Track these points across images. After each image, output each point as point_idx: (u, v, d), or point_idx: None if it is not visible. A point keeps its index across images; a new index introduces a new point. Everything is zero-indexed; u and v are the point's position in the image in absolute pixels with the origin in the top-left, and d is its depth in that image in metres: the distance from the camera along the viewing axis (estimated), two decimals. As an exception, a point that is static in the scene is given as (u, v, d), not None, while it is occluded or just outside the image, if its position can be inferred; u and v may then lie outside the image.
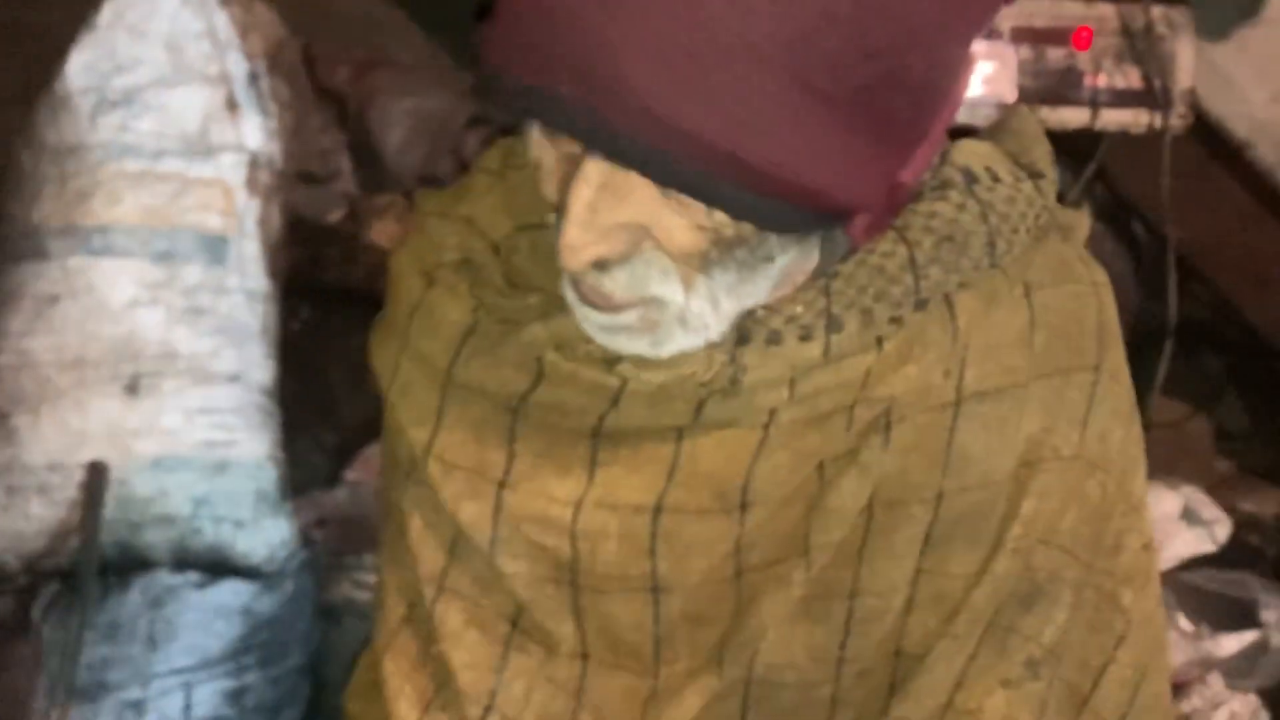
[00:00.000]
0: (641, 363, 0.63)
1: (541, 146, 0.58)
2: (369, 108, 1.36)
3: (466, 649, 0.70)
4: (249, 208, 1.25)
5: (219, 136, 1.24)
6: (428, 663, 0.71)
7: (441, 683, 0.71)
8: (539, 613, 0.70)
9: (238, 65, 1.25)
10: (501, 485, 0.68)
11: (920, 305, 0.65)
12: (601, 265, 0.57)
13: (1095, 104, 1.27)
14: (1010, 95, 1.24)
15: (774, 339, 0.63)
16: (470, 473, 0.68)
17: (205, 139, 1.23)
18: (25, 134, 1.20)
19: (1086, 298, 0.70)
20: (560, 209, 0.56)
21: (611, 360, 0.64)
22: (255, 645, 1.22)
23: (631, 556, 0.67)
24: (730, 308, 0.61)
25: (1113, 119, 1.28)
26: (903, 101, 0.55)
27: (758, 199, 0.54)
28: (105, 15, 1.21)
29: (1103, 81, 1.29)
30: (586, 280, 0.58)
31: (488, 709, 0.71)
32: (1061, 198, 0.73)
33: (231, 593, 1.20)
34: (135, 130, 1.20)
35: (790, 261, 0.61)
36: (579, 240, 0.55)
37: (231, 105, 1.24)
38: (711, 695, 0.70)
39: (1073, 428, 0.69)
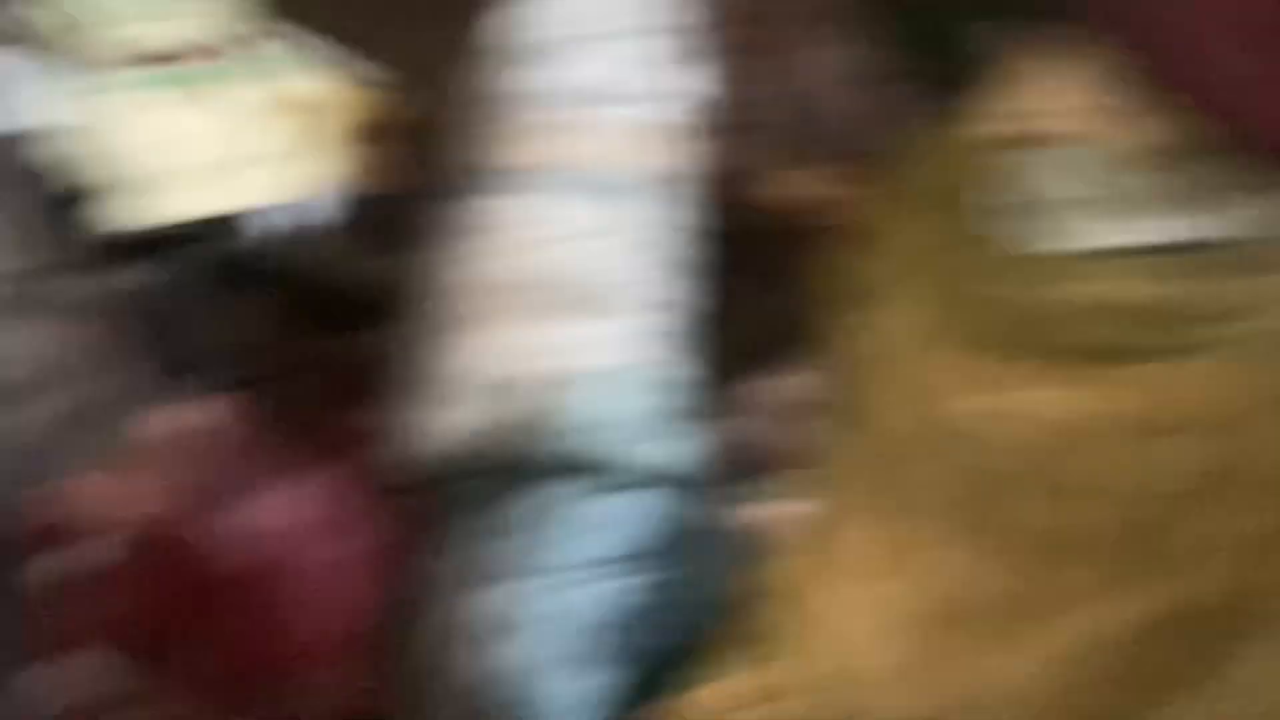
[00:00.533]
0: (1120, 276, 0.65)
1: None
2: (794, 56, 1.41)
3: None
4: (692, 149, 1.34)
5: (665, 81, 1.32)
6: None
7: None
8: (1009, 500, 0.73)
9: (683, 13, 1.32)
10: (950, 397, 0.72)
11: None
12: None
13: None
14: None
15: (1258, 264, 0.63)
16: (963, 386, 0.72)
17: (651, 84, 1.32)
18: (474, 79, 1.32)
19: None
20: None
21: (1113, 274, 0.66)
22: (661, 549, 1.31)
23: (1055, 460, 0.69)
24: None
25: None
26: None
27: None
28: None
29: None
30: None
31: None
32: None
33: (651, 502, 1.31)
34: (580, 76, 1.30)
35: None
36: None
37: (677, 52, 1.32)
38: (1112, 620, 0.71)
39: None
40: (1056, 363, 0.72)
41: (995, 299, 0.73)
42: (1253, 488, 0.71)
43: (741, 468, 1.39)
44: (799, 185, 1.50)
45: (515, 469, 1.29)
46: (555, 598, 1.29)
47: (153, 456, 1.56)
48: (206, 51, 1.55)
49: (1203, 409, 0.71)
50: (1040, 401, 0.73)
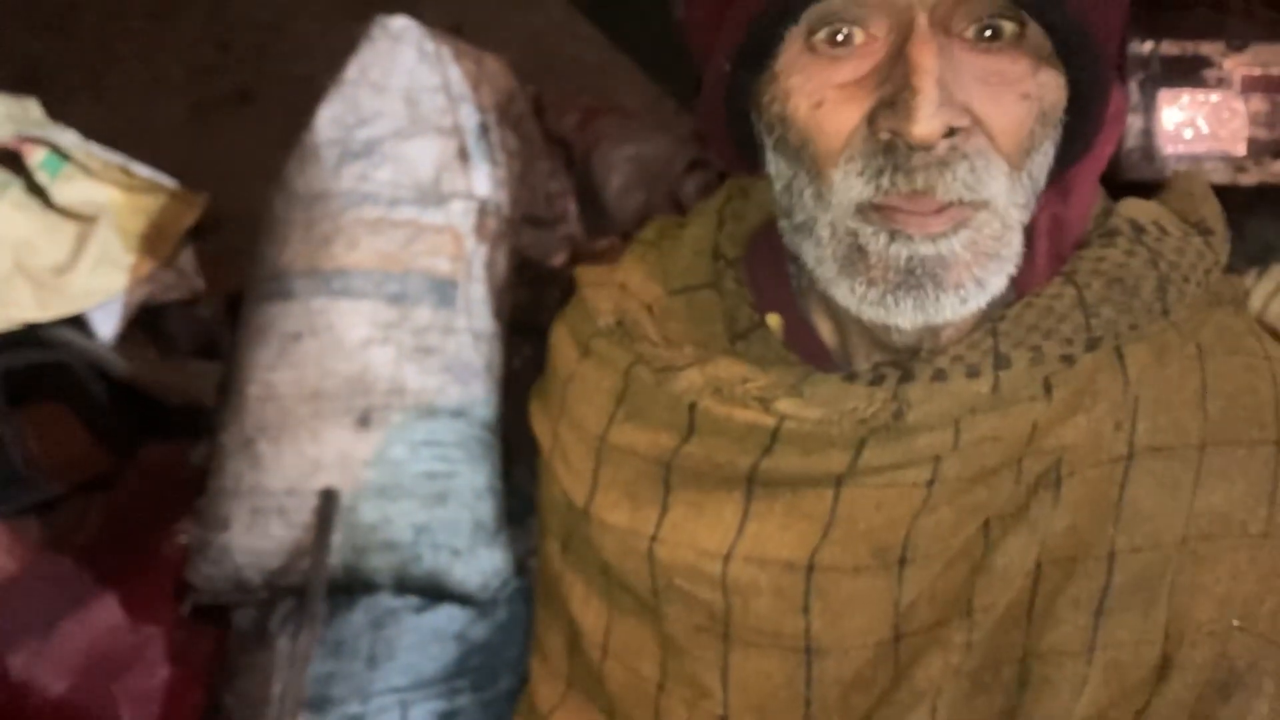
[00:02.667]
0: (797, 400, 0.63)
1: (806, 88, 0.59)
2: (593, 153, 1.40)
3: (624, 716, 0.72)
4: (477, 253, 1.32)
5: (450, 185, 1.31)
6: None
7: None
8: (692, 663, 0.70)
9: (469, 117, 1.31)
10: (653, 540, 0.70)
11: (1092, 345, 0.63)
12: (953, 150, 0.57)
13: None
14: (1239, 149, 1.16)
15: (939, 376, 0.62)
16: (626, 532, 0.70)
17: (438, 187, 1.30)
18: (278, 182, 1.30)
19: (1261, 370, 0.67)
20: (894, 94, 0.56)
21: (767, 400, 0.64)
22: (468, 669, 1.28)
23: (784, 613, 0.67)
24: (1018, 245, 0.62)
25: (1355, 173, 1.18)
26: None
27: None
28: (351, 71, 1.30)
29: None
30: (926, 177, 0.58)
31: None
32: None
33: (447, 618, 1.27)
34: (374, 180, 1.28)
35: None
36: (937, 98, 0.56)
37: (463, 155, 1.31)
38: None
39: (1260, 503, 0.66)
40: (761, 495, 0.70)
41: (651, 443, 0.71)
42: (983, 614, 0.69)
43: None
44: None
45: (324, 589, 1.25)
46: None
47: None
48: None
49: (928, 534, 0.69)
50: (763, 540, 0.70)
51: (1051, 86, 0.58)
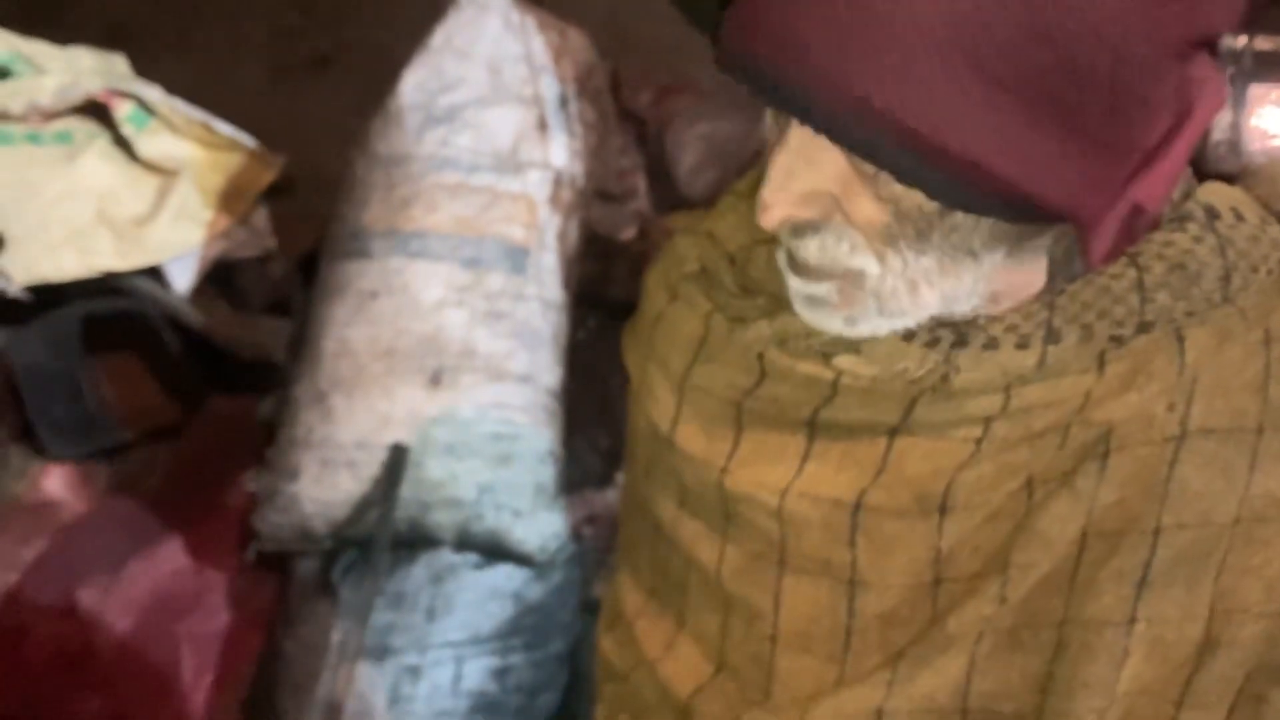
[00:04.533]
0: (855, 356, 0.66)
1: (769, 126, 0.63)
2: (666, 131, 1.43)
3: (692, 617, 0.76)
4: (550, 222, 1.35)
5: (528, 154, 1.34)
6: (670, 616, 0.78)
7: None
8: (749, 586, 0.74)
9: (550, 88, 1.34)
10: (723, 470, 0.73)
11: (1143, 328, 0.65)
12: (795, 229, 0.61)
13: None
14: None
15: (990, 344, 0.64)
16: (701, 461, 0.74)
17: (515, 156, 1.33)
18: (360, 143, 1.33)
19: None
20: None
21: (828, 354, 0.67)
22: (523, 628, 1.31)
23: (832, 545, 0.70)
24: (931, 298, 0.63)
25: None
26: (1091, 99, 0.55)
27: (931, 170, 0.55)
28: (437, 38, 1.33)
29: None
30: (787, 244, 0.62)
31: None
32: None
33: (505, 576, 1.30)
34: (455, 145, 1.31)
35: (1000, 265, 0.62)
36: (772, 200, 0.60)
37: (542, 125, 1.33)
38: (900, 697, 0.72)
39: None
40: (821, 438, 0.73)
41: (727, 385, 0.75)
42: (1023, 572, 0.72)
43: (601, 541, 1.39)
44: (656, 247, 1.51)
45: (388, 541, 1.28)
46: (435, 673, 1.28)
47: (14, 524, 1.53)
48: (78, 111, 1.54)
49: (969, 486, 0.71)
50: (818, 479, 0.73)
51: (910, 195, 0.59)
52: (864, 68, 0.55)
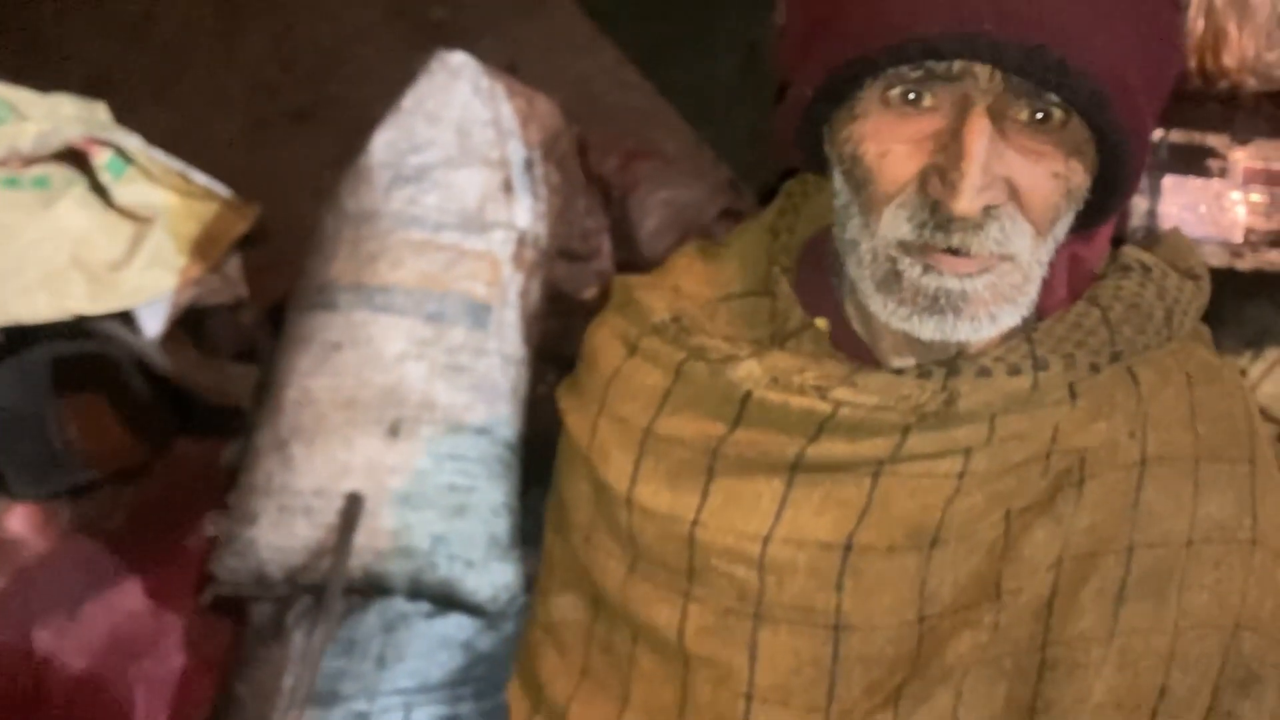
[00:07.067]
0: (852, 389, 0.70)
1: (877, 136, 0.67)
2: (630, 195, 1.47)
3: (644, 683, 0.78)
4: (513, 280, 1.38)
5: (493, 215, 1.37)
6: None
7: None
8: (720, 645, 0.76)
9: (516, 152, 1.38)
10: (694, 524, 0.75)
11: (1115, 357, 0.71)
12: (987, 213, 0.65)
13: None
14: (1236, 236, 1.23)
15: (984, 372, 0.69)
16: (667, 517, 0.76)
17: (481, 216, 1.37)
18: (330, 199, 1.37)
19: (1236, 398, 0.75)
20: (946, 165, 0.65)
21: (824, 388, 0.71)
22: (472, 678, 1.33)
23: (817, 590, 0.72)
24: (1036, 291, 0.70)
25: (1355, 267, 1.24)
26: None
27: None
28: (408, 100, 1.37)
29: None
30: (962, 237, 0.66)
31: None
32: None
33: (456, 626, 1.32)
34: (422, 204, 1.35)
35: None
36: (980, 182, 0.64)
37: (507, 187, 1.38)
38: None
39: (1244, 513, 0.73)
40: (802, 481, 0.76)
41: (700, 431, 0.78)
42: (1009, 600, 0.75)
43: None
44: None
45: (338, 591, 1.30)
46: None
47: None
48: (57, 157, 1.58)
49: (960, 518, 0.75)
50: (800, 523, 0.76)
51: (1080, 171, 0.65)
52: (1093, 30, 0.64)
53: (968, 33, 0.61)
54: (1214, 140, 1.17)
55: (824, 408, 0.69)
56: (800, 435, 0.70)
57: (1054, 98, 0.62)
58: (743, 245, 0.77)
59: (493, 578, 1.31)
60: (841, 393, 0.69)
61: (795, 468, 0.70)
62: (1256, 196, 1.23)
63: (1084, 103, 0.62)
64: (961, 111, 0.64)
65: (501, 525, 1.33)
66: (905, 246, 0.66)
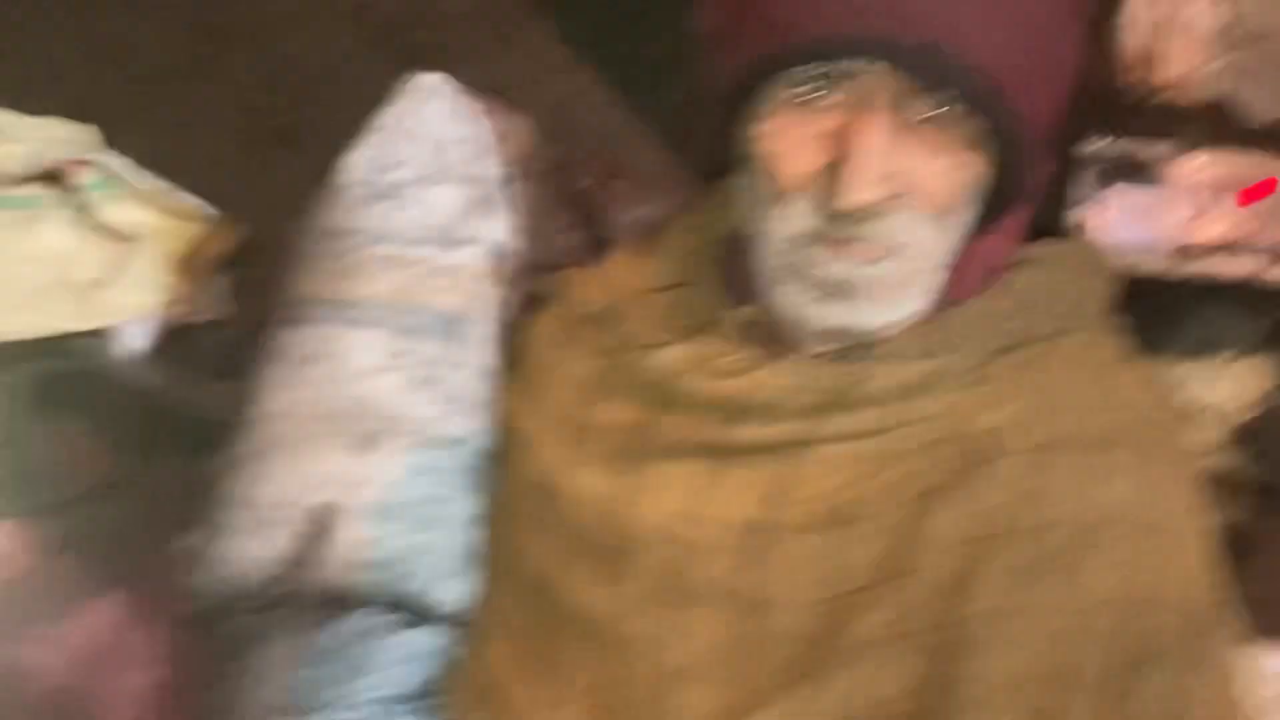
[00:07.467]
0: (769, 371, 0.72)
1: (781, 134, 0.69)
2: (606, 212, 1.49)
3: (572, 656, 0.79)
4: (490, 294, 1.40)
5: (469, 230, 1.39)
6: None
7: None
8: (651, 622, 0.77)
9: (493, 168, 1.40)
10: (628, 505, 0.78)
11: (1023, 343, 0.73)
12: (880, 207, 0.68)
13: (1268, 258, 1.26)
14: (1175, 243, 1.25)
15: (894, 356, 0.72)
16: (603, 498, 0.78)
17: (456, 231, 1.39)
18: (307, 217, 1.39)
19: (1135, 389, 0.78)
20: (839, 162, 0.69)
21: (744, 371, 0.73)
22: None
23: (740, 569, 0.75)
24: (940, 280, 0.73)
25: (1286, 274, 1.26)
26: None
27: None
28: (384, 119, 1.40)
29: (1277, 236, 1.28)
30: (856, 230, 0.68)
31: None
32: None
33: (428, 637, 1.33)
34: (396, 220, 1.37)
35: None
36: (867, 179, 0.67)
37: (483, 203, 1.40)
38: (803, 714, 0.75)
39: (1143, 498, 0.75)
40: (727, 461, 0.78)
41: (629, 417, 0.80)
42: (919, 577, 0.76)
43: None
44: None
45: (312, 601, 1.31)
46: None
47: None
48: (43, 178, 1.60)
49: (873, 497, 0.76)
50: (726, 502, 0.78)
51: (979, 163, 0.68)
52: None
53: (863, 34, 0.64)
54: (1156, 149, 1.19)
55: (742, 391, 0.71)
56: (722, 419, 0.72)
57: (950, 93, 0.65)
58: (672, 240, 0.80)
59: (466, 589, 1.32)
60: (758, 377, 0.71)
61: (718, 451, 0.73)
62: (1199, 205, 1.26)
63: (978, 97, 0.65)
64: (859, 109, 0.66)
65: (475, 537, 1.34)
66: (807, 237, 0.68)
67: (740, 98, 0.73)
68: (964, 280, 0.74)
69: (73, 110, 1.63)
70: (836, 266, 0.72)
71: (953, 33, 0.67)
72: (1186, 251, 1.26)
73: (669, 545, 0.77)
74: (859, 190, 0.69)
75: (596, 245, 1.59)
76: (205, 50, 1.77)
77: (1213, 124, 1.20)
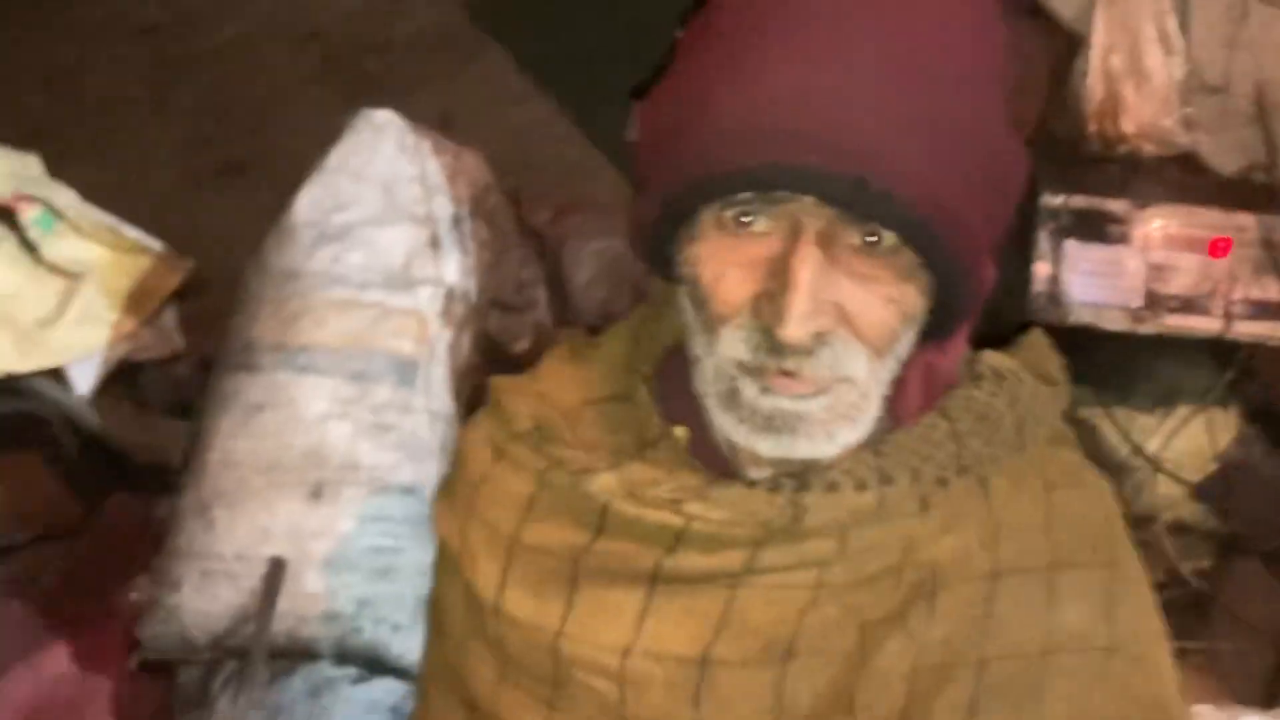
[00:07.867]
0: (704, 503, 0.69)
1: (713, 259, 0.66)
2: (563, 246, 1.46)
3: None
4: (441, 336, 1.37)
5: (420, 271, 1.36)
6: None
7: None
8: None
9: (443, 208, 1.37)
10: (558, 634, 0.74)
11: (962, 470, 0.70)
12: (818, 339, 0.64)
13: (1230, 315, 1.25)
14: (1136, 300, 1.23)
15: (832, 487, 0.68)
16: (531, 626, 0.75)
17: (407, 273, 1.36)
18: (255, 258, 1.36)
19: (1094, 501, 0.75)
20: (776, 292, 0.64)
21: (677, 501, 0.70)
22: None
23: (675, 704, 0.72)
24: (877, 408, 0.69)
25: (1248, 330, 1.25)
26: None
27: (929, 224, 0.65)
28: (332, 159, 1.36)
29: (1239, 293, 1.27)
30: (795, 362, 0.65)
31: None
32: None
33: (384, 691, 1.30)
34: (346, 262, 1.34)
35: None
36: (806, 310, 0.63)
37: (434, 244, 1.36)
38: None
39: (1099, 620, 0.72)
40: (662, 592, 0.75)
41: (563, 541, 0.76)
42: (862, 714, 0.74)
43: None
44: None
45: (265, 654, 1.28)
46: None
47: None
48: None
49: (815, 630, 0.74)
50: (660, 635, 0.75)
51: (913, 294, 0.65)
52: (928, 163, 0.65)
53: (793, 164, 0.61)
54: (1115, 205, 1.17)
55: (677, 521, 0.68)
56: (658, 547, 0.69)
57: (880, 224, 0.62)
58: (609, 349, 0.76)
59: (420, 641, 1.29)
60: (694, 507, 0.68)
61: (655, 579, 0.69)
62: (1157, 260, 1.24)
63: (910, 231, 0.62)
64: (792, 238, 0.63)
65: (429, 587, 1.31)
66: (743, 367, 0.65)
67: (672, 217, 0.70)
68: (906, 400, 0.71)
69: (18, 140, 1.59)
70: (774, 400, 0.69)
71: (884, 166, 0.64)
72: (1145, 308, 1.24)
73: (601, 678, 0.74)
74: (797, 324, 0.66)
75: (554, 281, 1.56)
76: (153, 79, 1.73)
77: (1173, 178, 1.18)
